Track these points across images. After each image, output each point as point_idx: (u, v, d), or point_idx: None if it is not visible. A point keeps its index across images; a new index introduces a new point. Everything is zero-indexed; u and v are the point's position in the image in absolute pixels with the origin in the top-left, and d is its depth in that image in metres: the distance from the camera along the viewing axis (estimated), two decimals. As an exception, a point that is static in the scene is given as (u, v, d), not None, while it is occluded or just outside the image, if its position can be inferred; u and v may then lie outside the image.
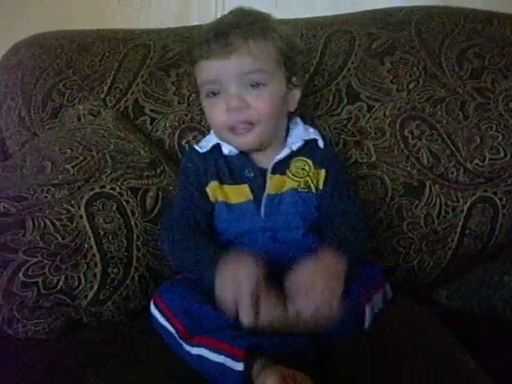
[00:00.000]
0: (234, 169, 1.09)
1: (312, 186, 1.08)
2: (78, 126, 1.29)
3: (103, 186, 1.12)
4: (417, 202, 1.31)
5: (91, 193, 1.11)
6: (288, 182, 1.08)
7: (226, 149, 1.10)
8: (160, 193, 1.17)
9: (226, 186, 1.07)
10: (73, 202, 1.10)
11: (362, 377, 0.85)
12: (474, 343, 1.02)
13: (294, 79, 1.11)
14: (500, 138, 1.33)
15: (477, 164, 1.32)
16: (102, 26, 1.62)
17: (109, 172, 1.15)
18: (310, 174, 1.09)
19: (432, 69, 1.38)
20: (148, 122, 1.38)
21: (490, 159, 1.32)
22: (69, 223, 1.07)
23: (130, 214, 1.12)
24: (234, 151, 1.09)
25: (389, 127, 1.33)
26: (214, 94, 1.06)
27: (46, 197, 1.10)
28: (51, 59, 1.51)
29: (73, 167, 1.15)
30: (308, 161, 1.11)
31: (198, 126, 1.36)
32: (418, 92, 1.36)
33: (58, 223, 1.07)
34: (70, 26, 1.63)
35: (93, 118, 1.33)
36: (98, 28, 1.61)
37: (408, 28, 1.43)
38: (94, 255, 1.06)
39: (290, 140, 1.12)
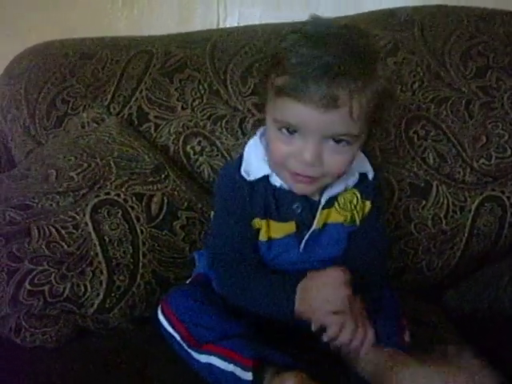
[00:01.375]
0: (282, 203, 0.99)
1: (357, 219, 1.02)
2: (81, 134, 1.29)
3: (108, 193, 1.12)
4: (424, 202, 1.30)
5: (96, 200, 1.11)
6: (333, 215, 1.01)
7: (278, 182, 0.98)
8: (165, 198, 1.17)
9: (272, 223, 0.99)
10: (78, 210, 1.09)
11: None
12: (484, 345, 1.02)
13: (374, 131, 1.00)
14: (506, 137, 1.32)
15: (483, 163, 1.31)
16: (104, 34, 1.62)
17: (113, 179, 1.15)
18: (357, 207, 1.02)
19: (436, 68, 1.38)
20: (152, 128, 1.38)
21: (496, 158, 1.31)
22: (74, 231, 1.07)
23: (135, 221, 1.11)
24: (285, 186, 0.98)
25: (394, 128, 1.33)
26: (289, 131, 0.89)
27: (51, 205, 1.10)
28: (54, 68, 1.51)
29: (77, 174, 1.15)
30: (357, 193, 1.02)
31: (202, 131, 1.35)
32: (422, 92, 1.36)
33: (63, 231, 1.07)
34: (73, 34, 1.63)
35: (97, 125, 1.33)
36: (100, 35, 1.61)
37: (411, 28, 1.43)
38: (99, 262, 1.06)
39: (346, 175, 1.00)
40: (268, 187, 0.98)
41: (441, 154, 1.31)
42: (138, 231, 1.11)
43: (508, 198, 1.30)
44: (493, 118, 1.33)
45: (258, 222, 0.98)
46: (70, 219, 1.08)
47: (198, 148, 1.35)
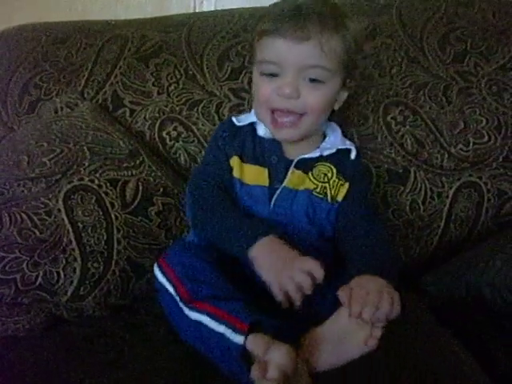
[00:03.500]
0: (261, 151, 1.08)
1: (328, 194, 1.07)
2: (54, 119, 1.26)
3: (81, 179, 1.10)
4: (402, 188, 1.30)
5: (69, 186, 1.08)
6: (306, 182, 1.06)
7: (262, 131, 1.09)
8: (140, 184, 1.15)
9: (245, 165, 1.06)
10: (50, 196, 1.07)
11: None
12: (463, 329, 1.03)
13: (348, 81, 1.08)
14: (484, 122, 1.32)
15: (461, 149, 1.31)
16: (80, 17, 1.59)
17: (87, 164, 1.12)
18: (331, 182, 1.07)
19: (414, 53, 1.37)
20: (127, 113, 1.36)
21: (474, 143, 1.31)
22: (47, 217, 1.05)
23: (109, 207, 1.09)
24: (269, 135, 1.08)
25: (371, 113, 1.32)
26: (271, 75, 1.01)
27: (23, 191, 1.07)
28: (27, 52, 1.47)
29: (50, 160, 1.12)
30: (333, 168, 1.08)
31: (179, 116, 1.33)
32: (400, 77, 1.35)
33: (35, 217, 1.04)
34: (47, 17, 1.59)
35: (70, 110, 1.30)
36: (75, 19, 1.58)
37: (389, 13, 1.42)
38: (73, 249, 1.04)
39: (324, 144, 1.10)
40: (252, 133, 1.10)
41: (419, 140, 1.31)
42: (113, 217, 1.09)
43: (485, 183, 1.30)
44: (471, 103, 1.33)
45: (233, 160, 1.07)
46: (42, 206, 1.06)
47: (174, 133, 1.33)
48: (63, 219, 1.05)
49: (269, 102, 1.02)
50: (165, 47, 1.41)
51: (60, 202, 1.06)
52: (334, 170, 1.08)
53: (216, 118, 1.33)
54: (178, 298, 0.89)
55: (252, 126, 1.10)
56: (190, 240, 1.09)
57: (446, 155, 1.31)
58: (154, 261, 1.09)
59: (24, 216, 1.04)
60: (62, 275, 1.02)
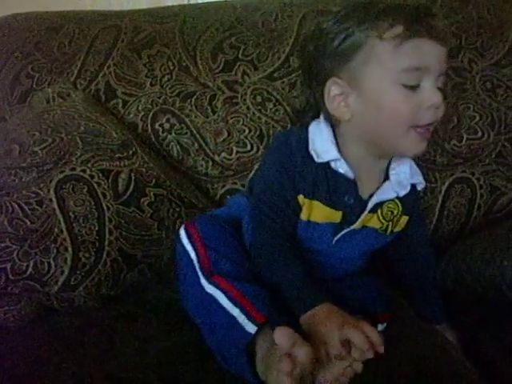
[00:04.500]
0: (335, 189, 0.97)
1: (389, 229, 1.02)
2: (47, 109, 1.25)
3: (73, 169, 1.09)
4: (395, 183, 1.29)
5: (61, 175, 1.07)
6: (373, 221, 1.00)
7: (343, 169, 0.96)
8: (133, 175, 1.14)
9: (316, 204, 0.96)
10: (42, 185, 1.06)
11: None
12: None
13: None
14: (477, 118, 1.32)
15: (454, 144, 1.31)
16: (73, 7, 1.57)
17: (79, 154, 1.11)
18: (395, 219, 1.02)
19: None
20: (120, 104, 1.35)
21: (467, 139, 1.32)
22: (38, 207, 1.03)
23: (101, 197, 1.08)
24: (350, 174, 0.97)
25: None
26: (412, 86, 0.89)
27: (14, 180, 1.06)
28: (19, 42, 1.46)
29: (41, 150, 1.11)
30: (400, 206, 1.01)
31: (172, 108, 1.33)
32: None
33: (26, 207, 1.03)
34: (40, 6, 1.58)
35: (62, 100, 1.29)
36: (68, 9, 1.56)
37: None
38: (64, 239, 1.03)
39: (394, 173, 1.01)
40: (327, 171, 0.96)
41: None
42: (105, 208, 1.08)
43: (478, 179, 1.31)
44: (464, 99, 1.34)
45: (301, 199, 0.96)
46: (33, 195, 1.04)
47: (166, 125, 1.32)
48: (54, 209, 1.04)
49: (414, 119, 0.91)
50: (158, 38, 1.40)
51: (51, 191, 1.05)
52: (401, 207, 1.02)
53: (209, 109, 1.32)
54: (198, 266, 0.87)
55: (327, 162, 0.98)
56: (225, 213, 1.06)
57: (440, 150, 1.31)
58: (146, 251, 1.10)
59: (15, 205, 1.03)
60: (53, 265, 1.01)
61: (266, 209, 0.96)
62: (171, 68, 1.36)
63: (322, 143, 0.97)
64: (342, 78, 0.93)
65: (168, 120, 1.32)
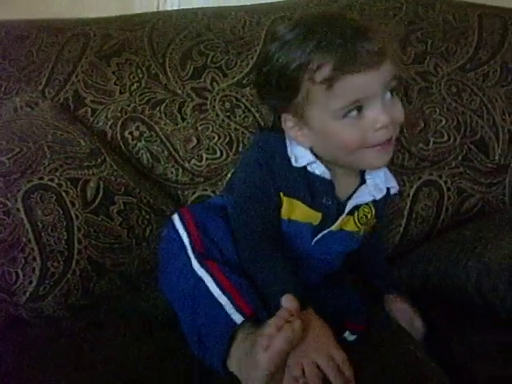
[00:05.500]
0: (315, 191, 1.00)
1: (362, 231, 1.07)
2: (14, 118, 1.24)
3: (41, 178, 1.08)
4: (364, 187, 1.31)
5: (28, 185, 1.06)
6: (349, 224, 1.03)
7: (320, 171, 0.99)
8: (101, 183, 1.13)
9: (297, 203, 0.99)
10: (9, 196, 1.05)
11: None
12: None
13: None
14: (443, 122, 1.34)
15: (421, 148, 1.33)
16: (42, 15, 1.57)
17: (47, 163, 1.11)
18: (368, 222, 1.06)
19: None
20: (89, 113, 1.34)
21: (434, 143, 1.33)
22: (5, 217, 1.03)
23: (70, 206, 1.07)
24: (327, 176, 1.00)
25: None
26: (358, 110, 0.92)
27: (-19, 190, 1.05)
28: (-15, 50, 1.45)
29: (8, 159, 1.10)
30: (373, 210, 1.06)
31: (141, 116, 1.32)
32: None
33: (-7, 217, 1.02)
34: (7, 14, 1.57)
35: (30, 109, 1.28)
36: (36, 17, 1.55)
37: (352, 13, 1.43)
38: (32, 249, 1.02)
39: (370, 178, 1.05)
40: (306, 174, 1.00)
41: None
42: (73, 216, 1.07)
43: (445, 182, 1.33)
44: (430, 103, 1.36)
45: (282, 197, 0.98)
46: (0, 205, 1.04)
47: (136, 133, 1.31)
48: (22, 219, 1.03)
49: (365, 142, 0.94)
50: (127, 46, 1.39)
51: (19, 201, 1.05)
52: (373, 211, 1.06)
53: (179, 117, 1.32)
54: (190, 249, 0.87)
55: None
56: (219, 203, 1.05)
57: (407, 154, 1.33)
58: (116, 260, 1.09)
59: (-19, 216, 1.02)
60: (21, 275, 1.00)
61: (249, 205, 0.98)
62: (140, 76, 1.36)
63: (298, 148, 1.01)
64: (291, 113, 0.98)
65: (137, 128, 1.32)
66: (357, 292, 1.05)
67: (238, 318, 0.79)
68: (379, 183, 1.05)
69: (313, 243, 1.01)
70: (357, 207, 1.03)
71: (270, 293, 0.86)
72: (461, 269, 1.05)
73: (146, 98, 1.34)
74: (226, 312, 0.79)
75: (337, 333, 0.86)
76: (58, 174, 1.10)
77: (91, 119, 1.33)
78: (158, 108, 1.33)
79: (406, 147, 1.32)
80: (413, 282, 1.18)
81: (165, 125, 1.31)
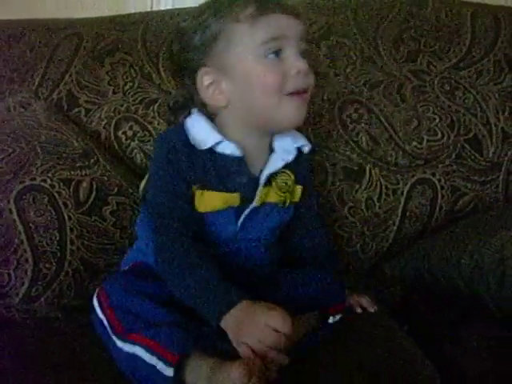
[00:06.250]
0: (228, 173, 0.99)
1: (287, 201, 1.05)
2: (7, 118, 1.24)
3: (33, 179, 1.08)
4: (357, 186, 1.32)
5: (21, 186, 1.07)
6: (271, 195, 1.02)
7: (229, 149, 0.98)
8: (94, 183, 1.13)
9: (211, 193, 0.98)
10: (1, 196, 1.05)
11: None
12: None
13: None
14: (437, 120, 1.35)
15: (415, 146, 1.33)
16: (34, 16, 1.57)
17: (39, 164, 1.11)
18: (290, 189, 1.05)
19: (369, 52, 1.39)
20: (83, 113, 1.34)
21: (427, 141, 1.34)
22: (-3, 218, 1.03)
23: (62, 207, 1.08)
24: (238, 153, 0.99)
25: (327, 112, 1.33)
26: (276, 54, 0.96)
27: (-27, 192, 1.06)
28: (-21, 51, 1.45)
29: (1, 160, 1.10)
30: (291, 176, 1.05)
31: (134, 115, 1.32)
32: (355, 76, 1.37)
33: (-15, 219, 1.03)
34: (1, 13, 1.57)
35: (23, 109, 1.28)
36: (29, 16, 1.56)
37: (344, 12, 1.44)
38: (24, 250, 1.02)
39: (277, 144, 1.05)
40: (214, 156, 0.99)
41: (373, 138, 1.33)
42: (66, 217, 1.07)
43: (439, 180, 1.33)
44: (424, 101, 1.36)
45: (194, 190, 0.97)
46: (-8, 206, 1.04)
47: (129, 133, 1.31)
48: (15, 220, 1.04)
49: (284, 86, 0.96)
50: (120, 46, 1.39)
51: (11, 202, 1.05)
52: (293, 177, 1.05)
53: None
54: (111, 332, 0.87)
55: (211, 148, 0.99)
56: (138, 260, 1.04)
57: (401, 152, 1.33)
58: (108, 260, 1.09)
59: (-26, 217, 1.02)
60: (14, 276, 1.01)
61: (163, 210, 0.96)
62: (134, 75, 1.36)
63: (200, 132, 1.00)
64: (210, 66, 0.99)
65: (131, 127, 1.32)
66: (328, 272, 1.05)
67: (169, 372, 0.78)
68: (287, 146, 1.05)
69: (239, 225, 0.99)
70: (274, 177, 1.02)
71: (192, 302, 0.87)
72: (453, 266, 1.06)
73: (140, 98, 1.34)
74: (159, 371, 0.79)
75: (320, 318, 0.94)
76: (50, 174, 1.10)
77: (85, 119, 1.33)
78: (151, 107, 1.33)
79: (400, 145, 1.32)
80: (405, 279, 1.18)
81: (158, 124, 1.32)
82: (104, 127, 1.32)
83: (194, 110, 1.04)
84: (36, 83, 1.37)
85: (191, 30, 0.99)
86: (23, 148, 1.13)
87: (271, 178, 1.02)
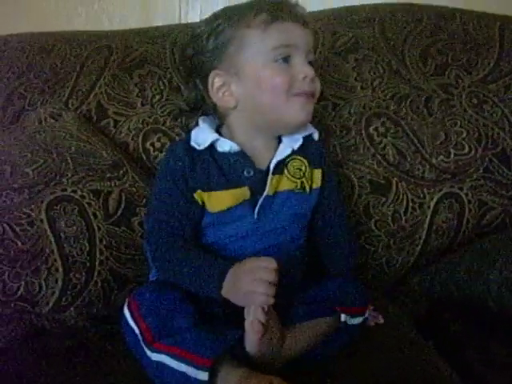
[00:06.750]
0: (232, 169, 1.03)
1: (307, 186, 1.07)
2: (38, 130, 1.26)
3: (64, 190, 1.10)
4: (384, 199, 1.31)
5: (52, 196, 1.08)
6: (284, 183, 1.05)
7: (227, 146, 1.03)
8: (123, 195, 1.15)
9: (217, 194, 1.01)
10: (33, 207, 1.07)
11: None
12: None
13: None
14: (464, 134, 1.34)
15: (442, 160, 1.32)
16: (65, 27, 1.59)
17: (70, 175, 1.13)
18: (306, 174, 1.07)
19: (396, 66, 1.39)
20: (111, 124, 1.35)
21: (455, 155, 1.33)
22: (29, 228, 1.05)
23: (92, 217, 1.09)
24: (235, 148, 1.03)
25: (354, 125, 1.33)
26: (285, 60, 1.01)
27: (5, 201, 1.07)
28: (11, 63, 1.47)
29: (33, 171, 1.12)
30: (304, 161, 1.08)
31: (162, 127, 1.33)
32: (382, 89, 1.37)
33: (17, 228, 1.04)
34: (33, 27, 1.60)
35: (54, 121, 1.30)
36: (59, 29, 1.58)
37: (371, 25, 1.44)
38: (55, 260, 1.04)
39: (286, 137, 1.08)
40: (212, 154, 1.03)
41: (400, 151, 1.32)
42: (95, 228, 1.09)
43: (466, 194, 1.31)
44: (451, 115, 1.35)
45: (199, 194, 1.01)
46: (24, 216, 1.06)
47: (157, 144, 1.32)
48: (45, 230, 1.05)
49: (291, 88, 1.01)
50: (149, 58, 1.41)
51: (42, 212, 1.07)
52: (306, 162, 1.08)
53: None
54: (141, 340, 0.88)
55: (212, 147, 1.04)
56: (153, 278, 1.07)
57: (428, 166, 1.32)
58: (137, 271, 1.10)
59: (6, 226, 1.04)
60: (44, 286, 1.02)
61: (164, 217, 1.00)
62: (162, 88, 1.37)
63: (199, 135, 1.05)
64: (221, 69, 1.04)
65: (159, 139, 1.33)
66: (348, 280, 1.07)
67: (203, 376, 0.79)
68: (294, 135, 1.08)
69: (256, 216, 1.02)
70: (282, 163, 1.05)
71: (197, 285, 0.93)
72: (481, 282, 1.05)
73: (168, 110, 1.35)
74: (192, 376, 0.80)
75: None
76: (80, 185, 1.12)
77: (113, 130, 1.35)
78: (179, 119, 1.34)
79: (427, 159, 1.32)
80: (432, 293, 1.17)
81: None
82: (132, 138, 1.34)
83: (200, 120, 1.09)
84: (66, 95, 1.39)
85: (205, 35, 1.05)
86: (54, 159, 1.15)
87: (283, 167, 1.05)
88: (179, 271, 0.96)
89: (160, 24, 1.63)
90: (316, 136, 1.11)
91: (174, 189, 1.01)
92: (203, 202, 1.01)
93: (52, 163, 1.14)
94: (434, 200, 1.31)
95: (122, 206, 1.14)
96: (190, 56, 1.10)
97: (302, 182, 1.06)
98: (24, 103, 1.40)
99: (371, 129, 1.33)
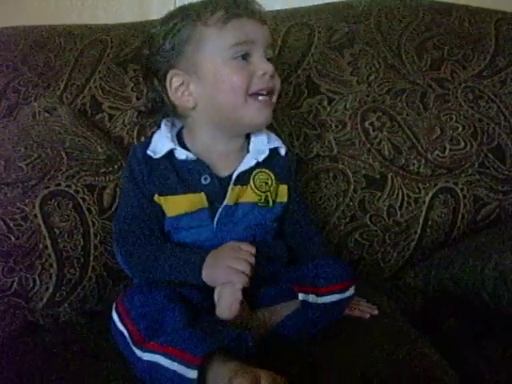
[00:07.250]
0: (189, 176, 1.03)
1: (270, 201, 1.06)
2: (32, 124, 1.25)
3: (58, 184, 1.10)
4: (379, 194, 1.31)
5: (46, 191, 1.08)
6: (248, 194, 1.04)
7: (183, 154, 1.03)
8: (118, 189, 1.15)
9: (175, 197, 1.02)
10: (27, 201, 1.06)
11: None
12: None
13: None
14: (460, 129, 1.34)
15: (437, 155, 1.32)
16: (61, 21, 1.58)
17: (64, 169, 1.12)
18: (271, 189, 1.06)
19: (392, 60, 1.39)
20: (106, 118, 1.35)
21: (450, 150, 1.33)
22: (23, 223, 1.04)
23: (86, 212, 1.09)
24: (191, 156, 1.03)
25: (349, 120, 1.33)
26: (243, 58, 1.00)
27: (-1, 196, 1.07)
28: (5, 56, 1.46)
29: (27, 165, 1.11)
30: (271, 175, 1.07)
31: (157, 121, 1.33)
32: (378, 84, 1.36)
33: (11, 223, 1.04)
34: (26, 20, 1.59)
35: (48, 115, 1.29)
36: (55, 23, 1.57)
37: (368, 20, 1.44)
38: (49, 255, 1.03)
39: (254, 146, 1.08)
40: (170, 161, 1.03)
41: (396, 146, 1.32)
42: (90, 223, 1.09)
43: (461, 189, 1.32)
44: (447, 110, 1.35)
45: (157, 198, 1.02)
46: (18, 211, 1.05)
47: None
48: (39, 225, 1.05)
49: (250, 86, 1.00)
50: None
51: (36, 207, 1.06)
52: (273, 176, 1.07)
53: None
54: (131, 342, 0.87)
55: (170, 154, 1.04)
56: (137, 280, 1.06)
57: (423, 161, 1.32)
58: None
59: (0, 221, 1.03)
60: (38, 281, 1.02)
61: (131, 218, 1.02)
62: (157, 82, 1.36)
63: (157, 142, 1.06)
64: (179, 68, 1.03)
65: (154, 133, 1.32)
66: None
67: (192, 374, 0.78)
68: (261, 147, 1.08)
69: (215, 225, 1.02)
70: (247, 174, 1.04)
71: (178, 275, 0.95)
72: (477, 277, 1.05)
73: (164, 104, 1.34)
74: (182, 374, 0.79)
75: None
76: (75, 180, 1.11)
77: (108, 125, 1.34)
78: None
79: (423, 154, 1.32)
80: (427, 288, 1.17)
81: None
82: (127, 133, 1.33)
83: (163, 123, 1.09)
84: (61, 88, 1.38)
85: (162, 35, 1.04)
86: (48, 153, 1.15)
87: (248, 177, 1.05)
88: (155, 265, 0.97)
89: (155, 18, 1.61)
90: (283, 151, 1.10)
91: (137, 191, 1.03)
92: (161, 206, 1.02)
93: (46, 158, 1.14)
94: (430, 195, 1.31)
95: (117, 201, 1.13)
96: (146, 56, 1.09)
97: (266, 196, 1.06)
98: (18, 97, 1.39)
99: (367, 123, 1.33)
